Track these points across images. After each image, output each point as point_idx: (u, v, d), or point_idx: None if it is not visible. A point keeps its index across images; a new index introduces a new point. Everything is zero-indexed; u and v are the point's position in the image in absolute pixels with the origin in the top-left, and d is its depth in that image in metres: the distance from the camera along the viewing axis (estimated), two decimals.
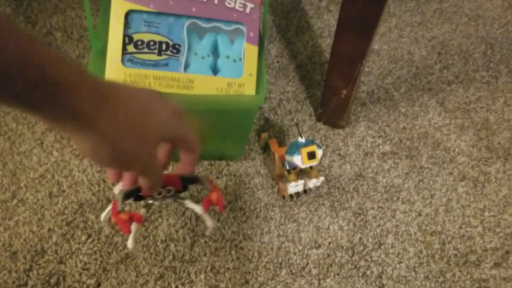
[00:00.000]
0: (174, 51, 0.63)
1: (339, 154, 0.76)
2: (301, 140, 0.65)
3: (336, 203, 0.70)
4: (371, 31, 0.67)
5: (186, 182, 0.47)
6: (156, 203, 0.45)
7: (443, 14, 1.01)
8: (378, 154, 0.76)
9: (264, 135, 0.74)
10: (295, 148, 0.64)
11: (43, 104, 0.29)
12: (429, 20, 0.99)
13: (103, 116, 0.32)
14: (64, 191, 0.68)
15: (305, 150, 0.63)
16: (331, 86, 0.75)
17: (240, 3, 0.64)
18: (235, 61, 0.64)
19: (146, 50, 0.62)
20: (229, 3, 0.64)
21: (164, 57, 0.63)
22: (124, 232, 0.44)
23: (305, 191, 0.69)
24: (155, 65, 0.62)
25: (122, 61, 0.61)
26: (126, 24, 0.62)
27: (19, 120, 0.76)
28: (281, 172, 0.69)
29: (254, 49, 0.64)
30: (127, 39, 0.62)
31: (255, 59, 0.64)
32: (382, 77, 0.88)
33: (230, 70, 0.64)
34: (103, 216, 0.46)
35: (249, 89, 0.63)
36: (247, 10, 0.64)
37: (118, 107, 0.33)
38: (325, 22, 0.98)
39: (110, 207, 0.45)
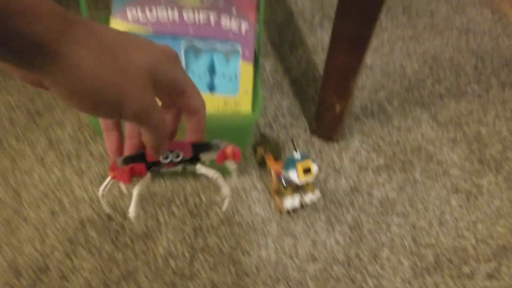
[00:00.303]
0: None
1: (334, 168, 0.77)
2: (297, 155, 0.66)
3: (332, 217, 0.71)
4: (363, 47, 0.69)
5: (197, 150, 0.41)
6: (163, 170, 0.40)
7: (434, 28, 1.03)
8: (372, 168, 0.78)
9: (260, 150, 0.76)
10: (291, 163, 0.65)
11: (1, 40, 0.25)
12: (421, 34, 1.02)
13: (71, 43, 0.27)
14: (65, 208, 0.69)
15: (300, 165, 0.65)
16: (325, 101, 0.76)
17: (235, 23, 0.66)
18: (231, 79, 0.66)
19: None
20: (225, 24, 0.66)
21: None
22: (124, 182, 0.38)
23: (301, 205, 0.71)
24: None
25: None
26: None
27: (20, 138, 0.77)
28: (277, 187, 0.71)
29: (249, 67, 0.66)
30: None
31: (251, 77, 0.66)
32: (375, 91, 0.90)
33: (226, 88, 0.66)
34: (101, 190, 0.40)
35: (245, 106, 0.65)
36: (242, 30, 0.66)
37: (89, 34, 0.29)
38: (318, 38, 1.00)
39: (107, 179, 0.39)
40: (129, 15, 0.63)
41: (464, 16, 1.07)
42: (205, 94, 0.64)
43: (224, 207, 0.43)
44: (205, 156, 0.41)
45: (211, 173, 0.41)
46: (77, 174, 0.73)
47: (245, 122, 0.65)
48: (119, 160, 0.38)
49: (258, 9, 0.69)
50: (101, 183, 0.72)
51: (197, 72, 0.66)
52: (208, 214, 0.70)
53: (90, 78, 0.28)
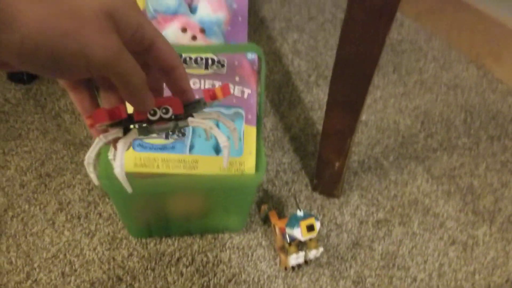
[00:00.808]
0: (180, 134, 0.68)
1: (336, 224, 0.80)
2: (300, 213, 0.69)
3: (335, 272, 0.74)
4: (358, 108, 0.73)
5: (189, 109, 0.38)
6: (153, 128, 0.37)
7: (423, 84, 1.09)
8: (372, 222, 0.81)
9: (264, 207, 0.79)
10: (294, 221, 0.68)
11: None
12: (411, 91, 1.07)
13: None
14: (76, 270, 0.71)
15: (304, 223, 0.68)
16: (324, 159, 0.80)
17: (238, 89, 0.71)
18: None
19: (154, 135, 0.68)
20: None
21: (171, 140, 0.68)
22: (102, 121, 0.33)
23: (306, 262, 0.73)
24: (163, 148, 0.68)
25: (133, 145, 0.66)
26: None
27: (31, 201, 0.80)
28: (282, 244, 0.73)
29: (252, 129, 0.70)
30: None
31: (254, 139, 0.70)
32: (371, 147, 0.94)
33: (231, 150, 0.69)
34: (87, 157, 0.37)
35: (249, 167, 0.69)
36: (245, 96, 0.71)
37: None
38: (314, 96, 1.05)
39: (95, 143, 0.36)
40: None
41: (451, 72, 1.13)
42: (211, 156, 0.68)
43: (225, 161, 0.40)
44: (198, 114, 0.39)
45: (205, 123, 0.38)
46: (86, 236, 0.76)
47: (250, 182, 0.68)
48: (105, 125, 0.34)
49: (259, 76, 0.74)
50: (110, 244, 0.74)
51: (203, 136, 0.70)
52: (215, 272, 0.72)
53: (37, 30, 0.25)
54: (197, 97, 0.40)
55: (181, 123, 0.38)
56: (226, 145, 0.41)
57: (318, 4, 1.33)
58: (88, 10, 0.27)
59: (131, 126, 0.38)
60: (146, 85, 0.32)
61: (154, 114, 0.36)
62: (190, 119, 0.38)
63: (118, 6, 0.28)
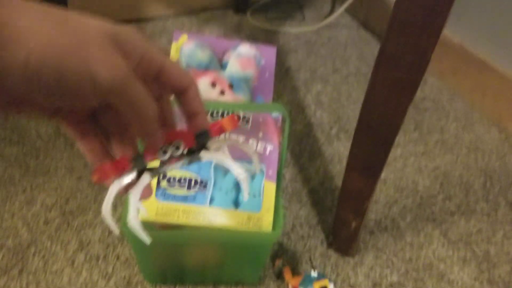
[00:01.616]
0: (202, 186, 0.71)
1: (349, 284, 0.80)
2: (314, 273, 0.70)
3: None
4: (377, 173, 0.74)
5: (200, 137, 0.35)
6: (165, 169, 0.35)
7: (444, 144, 1.10)
8: (386, 285, 0.81)
9: (278, 262, 0.80)
10: (308, 282, 0.69)
11: None
12: (432, 151, 1.08)
13: (11, 12, 0.24)
14: None
15: (317, 284, 0.69)
16: (341, 218, 0.81)
17: (261, 145, 0.73)
18: (254, 196, 0.72)
19: (177, 185, 0.70)
20: (252, 146, 0.73)
21: (192, 191, 0.70)
22: (105, 178, 0.33)
23: None
24: (184, 199, 0.70)
25: (156, 194, 0.68)
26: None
27: (53, 238, 0.82)
28: None
29: (272, 186, 0.72)
30: (162, 175, 0.70)
31: (273, 196, 0.71)
32: (389, 206, 0.95)
33: (250, 205, 0.71)
34: (104, 209, 0.35)
35: (267, 223, 0.70)
36: (267, 152, 0.73)
37: (26, 4, 0.25)
38: (335, 149, 1.07)
39: (109, 195, 0.34)
40: None
41: (472, 133, 1.14)
42: (230, 210, 0.69)
43: (245, 192, 0.38)
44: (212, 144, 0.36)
45: (217, 156, 0.36)
46: (103, 278, 0.77)
47: (266, 240, 0.70)
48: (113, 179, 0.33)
49: (282, 133, 0.76)
50: (126, 287, 0.76)
51: (224, 188, 0.72)
52: None
53: (43, 48, 0.24)
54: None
55: (193, 158, 0.35)
56: (243, 178, 0.39)
57: (343, 56, 1.36)
58: (93, 30, 0.26)
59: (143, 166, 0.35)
60: (156, 117, 0.30)
61: (165, 152, 0.34)
62: (202, 153, 0.35)
63: (122, 31, 0.28)
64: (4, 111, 0.28)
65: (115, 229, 0.35)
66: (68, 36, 0.25)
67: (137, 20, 1.42)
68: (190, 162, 0.35)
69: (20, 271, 0.77)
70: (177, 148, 0.34)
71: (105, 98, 0.27)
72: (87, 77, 0.25)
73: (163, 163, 0.35)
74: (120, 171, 0.33)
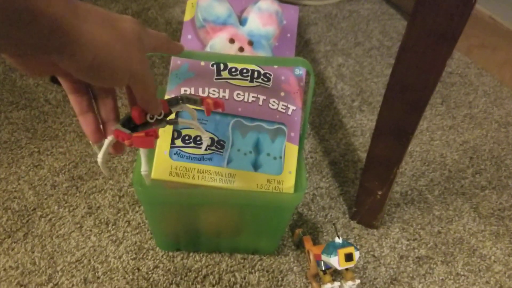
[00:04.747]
0: (219, 146, 0.66)
1: (374, 256, 0.75)
2: (338, 240, 0.65)
3: None
4: (408, 137, 0.69)
5: (171, 105, 0.48)
6: (151, 128, 0.44)
7: (473, 119, 1.04)
8: (413, 258, 0.75)
9: (298, 231, 0.75)
10: (332, 248, 0.64)
11: (22, 25, 0.27)
12: (460, 125, 1.02)
13: (81, 20, 0.30)
14: (98, 277, 0.68)
15: (342, 252, 0.63)
16: (367, 187, 0.76)
17: (283, 105, 0.68)
18: (275, 158, 0.67)
19: (192, 144, 0.65)
20: (273, 105, 0.68)
21: (208, 152, 0.66)
22: (147, 147, 0.42)
23: None
24: (200, 159, 0.65)
25: (170, 154, 0.64)
26: None
27: (61, 202, 0.78)
28: (315, 272, 0.69)
29: (294, 148, 0.67)
30: (176, 133, 0.65)
31: (295, 158, 0.66)
32: (416, 179, 0.89)
33: (270, 167, 0.66)
34: (100, 157, 0.43)
35: (288, 186, 0.65)
36: (289, 112, 0.68)
37: (88, 10, 0.31)
38: (357, 122, 1.01)
39: (106, 145, 0.43)
40: (182, 92, 0.65)
41: (502, 109, 1.07)
42: (249, 172, 0.65)
43: (204, 146, 0.55)
44: (183, 107, 0.50)
45: (192, 123, 0.51)
46: (113, 243, 0.73)
47: (288, 202, 0.65)
48: (120, 127, 0.41)
49: (306, 94, 0.71)
50: (136, 253, 0.72)
51: (242, 150, 0.67)
52: None
53: (103, 50, 0.31)
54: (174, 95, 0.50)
55: (170, 121, 0.48)
56: (207, 139, 0.55)
57: (365, 30, 1.31)
58: (130, 34, 0.35)
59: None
60: (155, 93, 0.41)
61: (152, 117, 0.44)
62: (179, 119, 0.49)
63: (143, 31, 0.37)
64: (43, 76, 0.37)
65: (108, 174, 0.51)
66: (119, 41, 0.33)
67: None
68: (168, 123, 0.47)
69: (25, 234, 0.73)
70: (160, 113, 0.45)
71: (133, 81, 0.37)
72: (128, 72, 0.35)
73: (150, 125, 0.45)
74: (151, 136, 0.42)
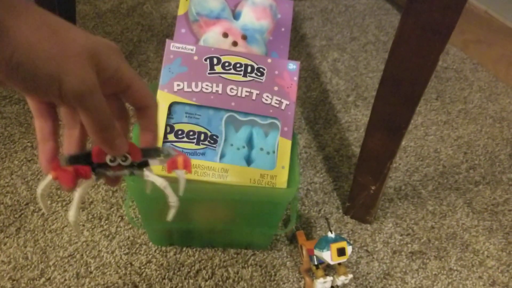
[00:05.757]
0: (212, 141, 0.66)
1: (367, 251, 0.75)
2: (331, 235, 0.65)
3: None
4: (401, 132, 0.69)
5: (147, 155, 0.39)
6: (109, 173, 0.37)
7: (468, 114, 1.04)
8: (406, 253, 0.75)
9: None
10: (325, 243, 0.64)
11: None
12: (454, 120, 1.02)
13: (11, 17, 0.28)
14: (91, 272, 0.68)
15: (335, 246, 0.63)
16: (360, 182, 0.76)
17: (276, 99, 0.68)
18: (268, 153, 0.66)
19: (185, 139, 0.65)
20: (266, 100, 0.68)
21: (201, 146, 0.65)
22: (67, 185, 0.35)
23: (332, 287, 0.68)
24: (193, 154, 0.65)
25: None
26: (169, 115, 0.65)
27: (53, 197, 0.78)
28: (308, 266, 0.69)
29: (288, 143, 0.67)
30: (169, 128, 0.65)
31: (288, 153, 0.66)
32: (409, 174, 0.89)
33: (263, 162, 0.66)
34: (40, 189, 0.37)
35: (281, 181, 0.65)
36: (283, 107, 0.68)
37: (29, 10, 0.29)
38: (352, 117, 1.01)
39: (48, 178, 0.36)
40: (175, 87, 0.65)
41: (497, 104, 1.07)
42: (242, 167, 0.64)
43: (170, 216, 0.41)
44: (153, 162, 0.39)
45: (159, 181, 0.39)
46: (106, 238, 0.73)
47: (281, 197, 0.65)
48: (63, 159, 0.35)
49: (300, 88, 0.70)
50: (129, 248, 0.71)
51: (235, 145, 0.67)
52: None
53: (27, 49, 0.28)
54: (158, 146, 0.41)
55: (137, 172, 0.38)
56: (174, 206, 0.41)
57: (361, 25, 1.30)
58: (77, 45, 0.31)
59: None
60: (115, 126, 0.34)
61: (114, 160, 0.36)
62: (146, 172, 0.38)
63: (102, 49, 0.32)
64: None
65: (46, 209, 0.39)
66: (51, 45, 0.29)
67: None
68: (131, 174, 0.38)
69: (18, 229, 0.73)
70: (125, 159, 0.37)
71: (69, 102, 0.31)
72: (56, 83, 0.29)
73: (109, 168, 0.37)
74: (79, 178, 0.35)
